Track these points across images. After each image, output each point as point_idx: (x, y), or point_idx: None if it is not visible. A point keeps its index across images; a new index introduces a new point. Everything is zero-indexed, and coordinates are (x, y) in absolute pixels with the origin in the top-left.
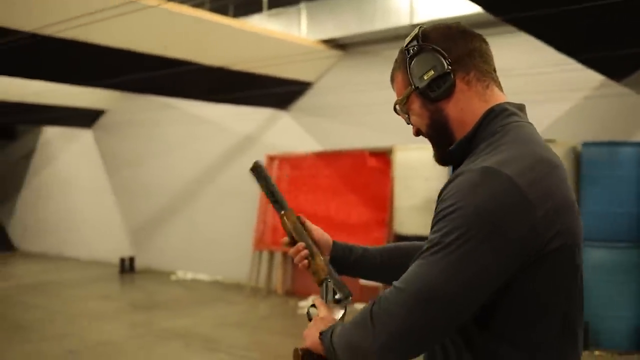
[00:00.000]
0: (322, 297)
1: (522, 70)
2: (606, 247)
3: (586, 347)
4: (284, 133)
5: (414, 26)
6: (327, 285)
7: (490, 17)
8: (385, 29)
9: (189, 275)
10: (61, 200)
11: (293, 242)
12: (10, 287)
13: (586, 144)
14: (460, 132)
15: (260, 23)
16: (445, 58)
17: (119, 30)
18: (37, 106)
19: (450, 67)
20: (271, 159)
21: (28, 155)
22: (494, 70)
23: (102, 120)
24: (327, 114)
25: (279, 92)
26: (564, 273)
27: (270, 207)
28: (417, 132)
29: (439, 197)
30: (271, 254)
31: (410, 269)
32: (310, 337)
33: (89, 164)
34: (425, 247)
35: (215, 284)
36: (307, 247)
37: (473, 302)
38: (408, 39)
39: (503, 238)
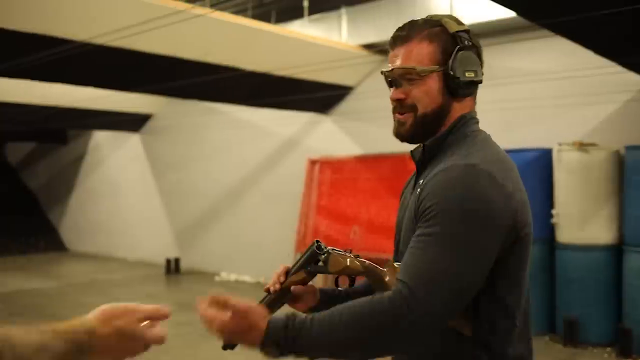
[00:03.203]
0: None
1: (562, 73)
2: None
3: (629, 354)
4: (325, 137)
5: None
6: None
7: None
8: None
9: (233, 277)
10: (110, 202)
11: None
12: (61, 286)
13: (630, 148)
14: (445, 128)
15: (302, 29)
16: (481, 69)
17: (164, 39)
18: (87, 111)
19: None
20: (312, 162)
21: (79, 159)
22: None
23: (149, 125)
24: (368, 117)
25: (320, 97)
26: (526, 258)
27: (311, 210)
28: (403, 101)
29: (421, 190)
30: None
31: (421, 261)
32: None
33: (137, 167)
34: (425, 240)
35: (258, 285)
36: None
37: (480, 279)
38: (459, 27)
39: (494, 223)
